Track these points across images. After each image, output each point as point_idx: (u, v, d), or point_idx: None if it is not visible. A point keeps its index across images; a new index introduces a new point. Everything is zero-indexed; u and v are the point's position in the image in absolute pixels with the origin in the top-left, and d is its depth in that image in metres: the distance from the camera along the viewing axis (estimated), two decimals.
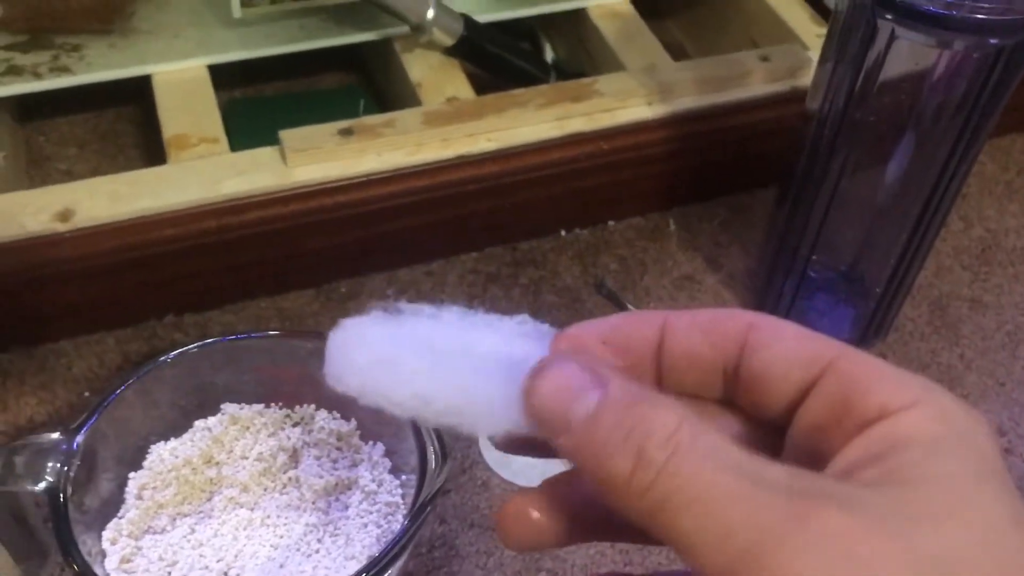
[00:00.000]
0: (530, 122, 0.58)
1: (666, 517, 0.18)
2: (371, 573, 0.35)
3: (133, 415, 0.40)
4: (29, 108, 0.65)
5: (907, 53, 0.46)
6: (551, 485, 0.23)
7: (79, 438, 0.37)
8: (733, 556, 0.17)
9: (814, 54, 0.63)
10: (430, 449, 0.37)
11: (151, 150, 0.65)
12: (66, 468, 0.37)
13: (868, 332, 0.57)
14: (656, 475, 0.18)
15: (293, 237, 0.55)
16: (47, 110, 0.66)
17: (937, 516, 0.17)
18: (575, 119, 0.59)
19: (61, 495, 0.36)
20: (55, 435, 0.37)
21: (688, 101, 0.61)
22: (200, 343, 0.41)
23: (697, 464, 0.18)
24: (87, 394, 0.52)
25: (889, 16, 0.43)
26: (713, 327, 0.23)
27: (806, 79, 0.62)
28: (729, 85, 0.62)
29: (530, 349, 0.23)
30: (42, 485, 0.36)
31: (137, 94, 0.67)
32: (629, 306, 0.58)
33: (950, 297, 0.61)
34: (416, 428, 0.38)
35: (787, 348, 0.21)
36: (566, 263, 0.61)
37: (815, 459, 0.20)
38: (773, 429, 0.21)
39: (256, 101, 0.67)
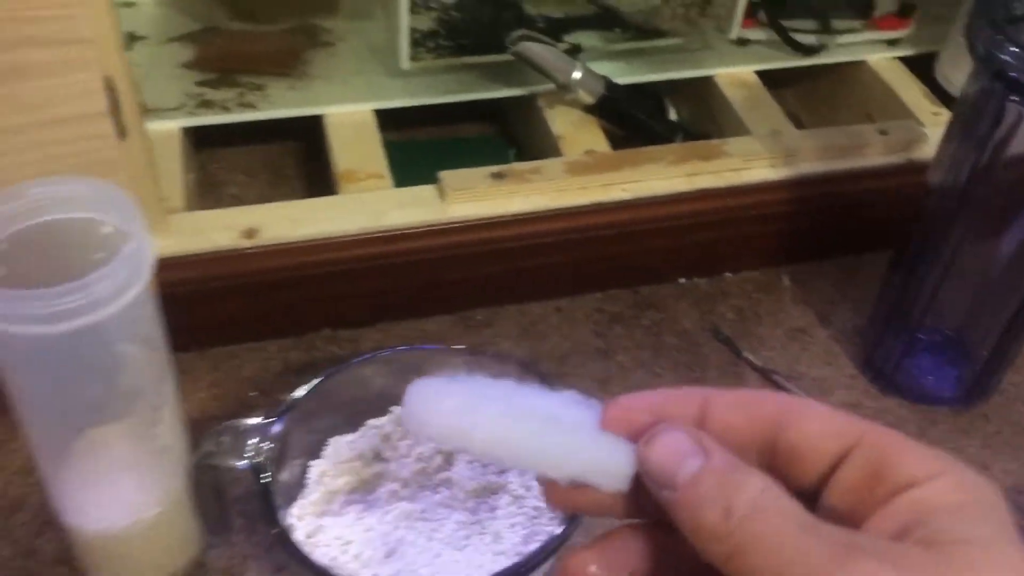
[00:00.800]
0: (662, 176, 0.63)
1: (741, 558, 0.22)
2: (527, 568, 0.40)
3: (319, 409, 0.45)
4: (203, 138, 0.73)
5: None
6: (606, 542, 0.26)
7: (278, 425, 0.43)
8: None
9: (929, 129, 0.68)
10: None
11: (312, 181, 0.72)
12: (266, 449, 0.42)
13: (972, 393, 0.60)
14: (739, 523, 0.22)
15: (443, 267, 0.61)
16: (219, 140, 0.74)
17: (974, 570, 0.21)
18: (704, 176, 0.64)
19: (266, 470, 0.41)
20: (256, 420, 0.43)
21: (809, 166, 0.65)
22: (380, 351, 0.47)
23: (773, 518, 0.22)
24: (254, 394, 0.58)
25: (1017, 99, 0.48)
26: (751, 405, 0.26)
27: (921, 152, 0.67)
28: (849, 154, 0.66)
29: (584, 414, 0.26)
30: (245, 462, 0.42)
31: (300, 131, 0.74)
32: (746, 354, 0.62)
33: None
34: None
35: (821, 424, 0.25)
36: (685, 309, 0.65)
37: (848, 524, 0.23)
38: (805, 499, 0.25)
39: (409, 144, 0.74)
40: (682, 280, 0.67)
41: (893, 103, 0.73)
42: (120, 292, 0.37)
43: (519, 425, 0.26)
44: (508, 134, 0.77)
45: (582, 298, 0.66)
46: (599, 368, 0.61)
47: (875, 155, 0.66)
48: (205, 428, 0.46)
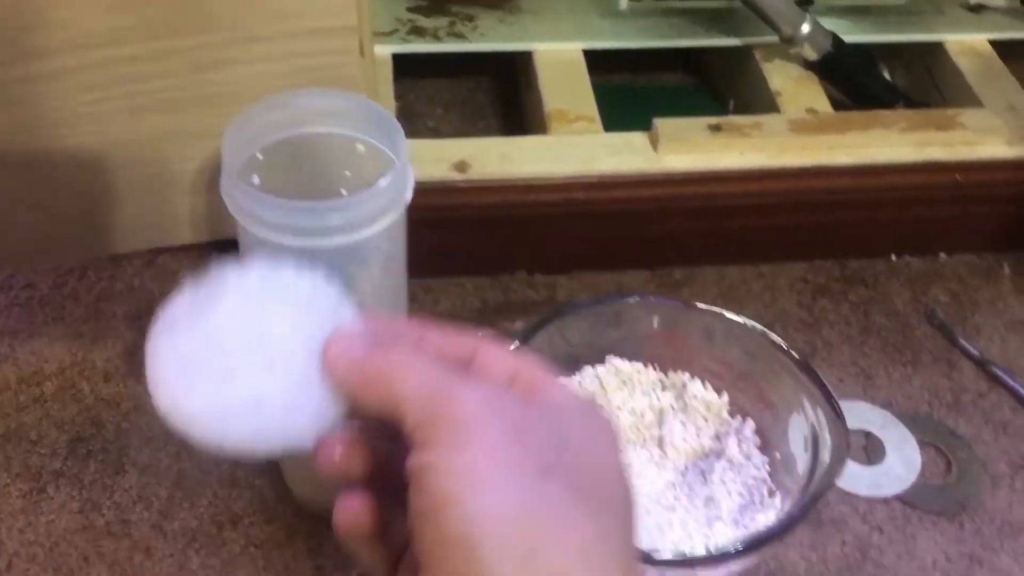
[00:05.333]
0: (891, 143, 0.59)
1: (387, 381, 0.27)
2: (762, 540, 0.38)
3: (546, 348, 0.44)
4: (401, 67, 0.72)
5: None
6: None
7: None
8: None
9: None
10: (822, 431, 0.40)
11: (508, 120, 0.70)
12: None
13: None
14: (387, 355, 0.27)
15: (648, 220, 0.59)
16: (416, 71, 0.73)
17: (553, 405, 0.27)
18: (934, 147, 0.59)
19: None
20: None
21: None
22: (617, 298, 0.45)
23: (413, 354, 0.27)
24: None
25: None
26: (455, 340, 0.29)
27: None
28: None
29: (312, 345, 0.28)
30: None
31: (499, 68, 0.72)
32: (962, 340, 0.58)
33: None
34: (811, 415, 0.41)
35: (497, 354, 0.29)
36: (896, 288, 0.62)
37: None
38: None
39: (612, 88, 0.71)
40: (894, 257, 0.63)
41: None
42: (380, 215, 0.36)
43: (225, 426, 0.28)
44: (711, 87, 0.74)
45: (785, 266, 0.63)
46: (803, 340, 0.58)
47: None
48: None
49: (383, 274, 0.40)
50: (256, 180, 0.39)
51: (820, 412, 0.40)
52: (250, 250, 0.38)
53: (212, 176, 0.52)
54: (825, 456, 0.39)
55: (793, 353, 0.42)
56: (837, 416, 0.39)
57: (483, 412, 0.25)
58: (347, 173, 0.40)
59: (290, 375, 0.28)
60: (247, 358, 0.28)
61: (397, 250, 0.40)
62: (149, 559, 0.47)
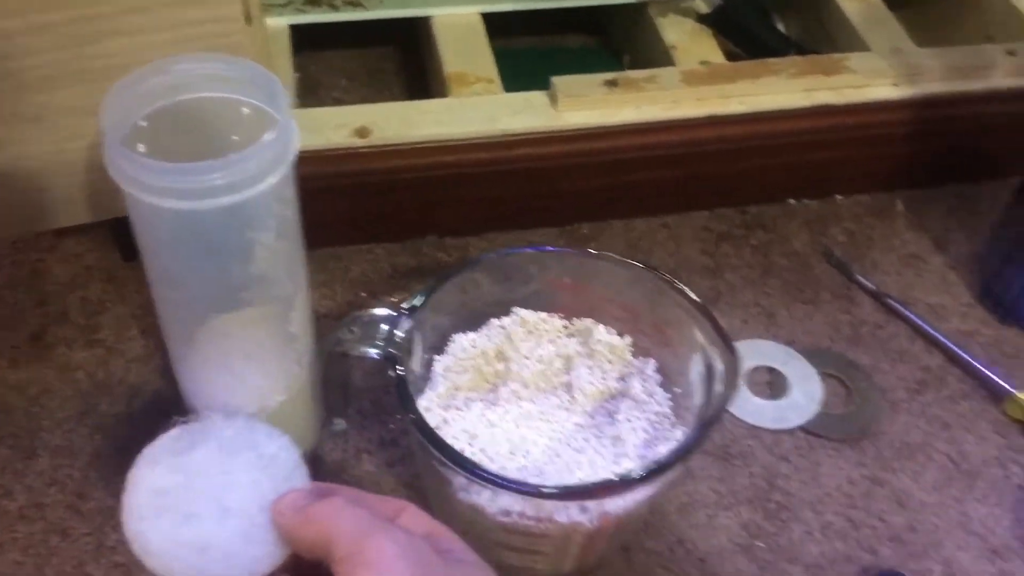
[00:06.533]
0: (781, 90, 0.61)
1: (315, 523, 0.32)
2: (666, 464, 0.39)
3: (447, 303, 0.45)
4: (304, 39, 0.72)
5: None
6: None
7: (408, 318, 0.43)
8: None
9: None
10: (716, 364, 0.41)
11: (413, 87, 0.70)
12: (397, 338, 0.42)
13: None
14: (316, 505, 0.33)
15: (551, 176, 0.60)
16: (319, 43, 0.73)
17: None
18: (823, 92, 0.61)
19: (399, 359, 0.41)
20: (386, 311, 0.43)
21: (933, 86, 0.62)
22: (508, 250, 0.46)
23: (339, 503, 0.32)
24: (363, 294, 0.58)
25: None
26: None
27: None
28: (974, 75, 0.63)
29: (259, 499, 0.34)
30: (376, 351, 0.42)
31: (401, 36, 0.73)
32: (859, 277, 0.60)
33: None
34: (702, 343, 0.42)
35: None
36: (795, 230, 0.64)
37: None
38: None
39: (513, 52, 0.72)
40: (792, 201, 0.65)
41: (1015, 23, 0.69)
42: (266, 172, 0.37)
43: (174, 562, 0.33)
44: (611, 46, 0.75)
45: (689, 216, 0.64)
46: (707, 286, 0.60)
47: (1002, 77, 0.63)
48: (317, 327, 0.46)
49: (278, 239, 0.40)
50: (142, 148, 0.39)
51: (713, 346, 0.42)
52: (140, 221, 0.38)
53: None
54: (719, 387, 0.41)
55: (686, 291, 0.43)
56: (727, 346, 0.41)
57: (398, 555, 0.30)
58: (235, 137, 0.40)
59: (239, 527, 0.33)
60: (206, 506, 0.33)
61: (289, 211, 0.40)
62: (65, 540, 0.47)
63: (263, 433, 0.36)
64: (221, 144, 0.40)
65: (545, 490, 0.38)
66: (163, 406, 0.51)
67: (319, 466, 0.50)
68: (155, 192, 0.35)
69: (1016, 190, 0.59)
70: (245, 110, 0.40)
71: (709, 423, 0.40)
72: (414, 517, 0.34)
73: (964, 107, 0.63)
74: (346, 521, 0.31)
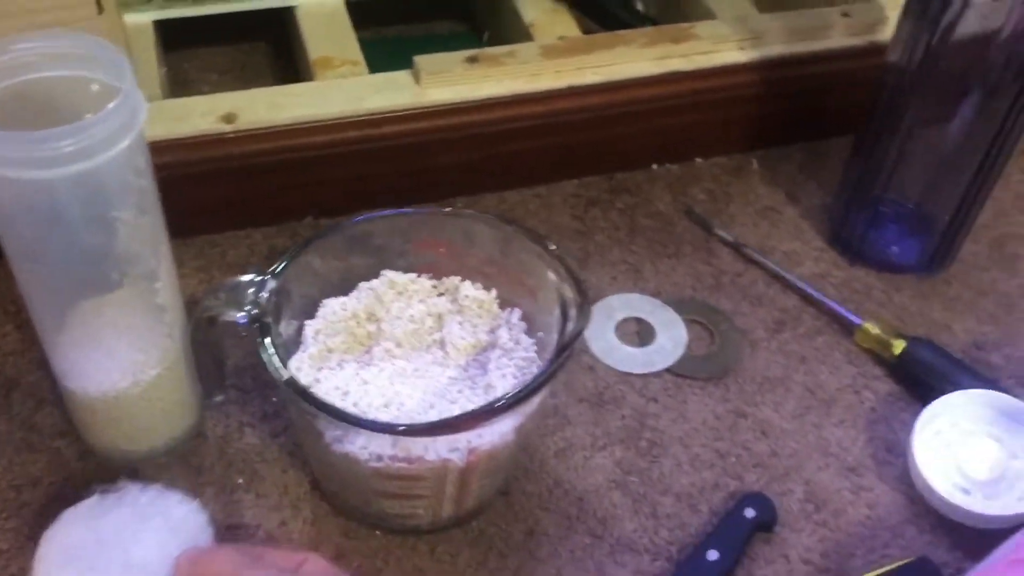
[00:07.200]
0: (634, 59, 0.64)
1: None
2: (520, 395, 0.41)
3: (313, 269, 0.46)
4: (172, 38, 0.73)
5: (979, 13, 0.52)
6: None
7: (273, 280, 0.44)
8: None
9: (891, 12, 0.69)
10: (568, 298, 0.44)
11: (284, 78, 0.72)
12: (264, 301, 0.43)
13: (933, 262, 0.63)
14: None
15: (421, 152, 0.62)
16: (189, 40, 0.73)
17: None
18: (674, 59, 0.65)
19: (267, 320, 0.42)
20: (252, 276, 0.44)
21: (776, 49, 0.67)
22: (373, 214, 0.48)
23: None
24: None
25: None
26: None
27: (884, 35, 0.68)
28: (813, 36, 0.68)
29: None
30: (244, 314, 0.43)
31: (269, 30, 0.74)
32: (717, 230, 0.64)
33: (1008, 236, 0.66)
34: (557, 285, 0.45)
35: None
36: (658, 192, 0.67)
37: None
38: None
39: (382, 41, 0.74)
40: (655, 166, 0.69)
41: None
42: (115, 139, 0.38)
43: None
44: (480, 31, 0.78)
45: (559, 185, 0.67)
46: (577, 247, 0.63)
47: (838, 37, 0.68)
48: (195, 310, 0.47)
49: (139, 215, 0.41)
50: None
51: (564, 283, 0.44)
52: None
53: None
54: (572, 318, 0.43)
55: (540, 238, 0.46)
56: (575, 280, 0.43)
57: None
58: (88, 116, 0.41)
59: None
60: (111, 561, 0.38)
61: (146, 182, 0.41)
62: None
63: (175, 500, 0.41)
64: (76, 121, 0.41)
65: (399, 427, 0.40)
66: (43, 395, 0.52)
67: (202, 442, 0.51)
68: (7, 164, 0.36)
69: (854, 142, 0.64)
70: (95, 87, 0.41)
71: (562, 350, 0.43)
72: (315, 564, 0.38)
73: (806, 67, 0.67)
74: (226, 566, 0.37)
